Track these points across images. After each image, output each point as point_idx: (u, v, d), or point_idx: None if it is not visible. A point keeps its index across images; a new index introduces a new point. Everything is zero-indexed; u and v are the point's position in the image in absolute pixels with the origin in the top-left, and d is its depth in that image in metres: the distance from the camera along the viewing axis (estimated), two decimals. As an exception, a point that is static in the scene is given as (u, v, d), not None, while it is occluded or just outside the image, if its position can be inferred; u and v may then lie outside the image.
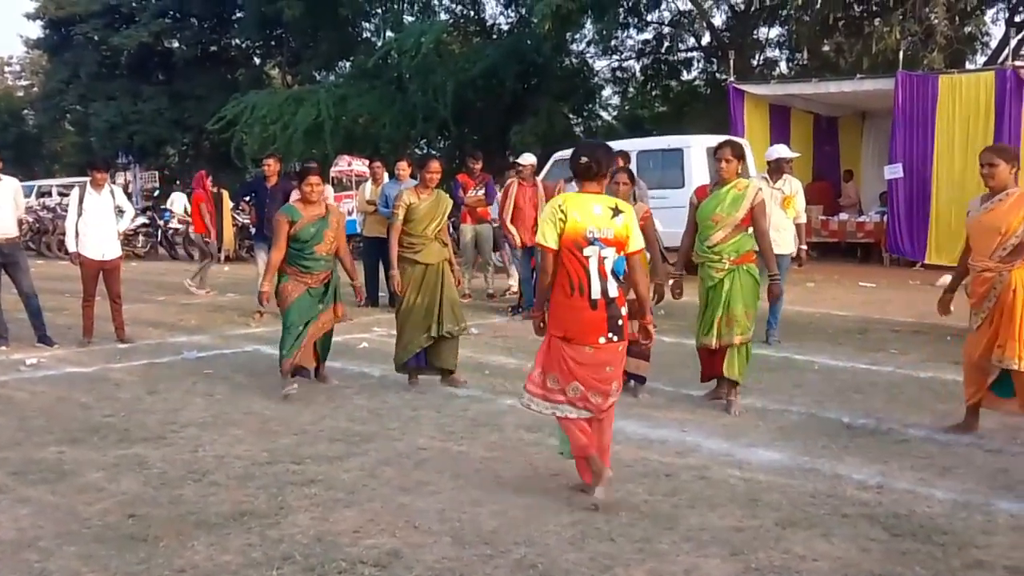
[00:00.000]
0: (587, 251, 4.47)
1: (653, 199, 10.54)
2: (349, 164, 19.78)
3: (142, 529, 4.33)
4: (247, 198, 13.10)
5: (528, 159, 10.99)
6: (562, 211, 4.47)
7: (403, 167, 11.56)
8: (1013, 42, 16.68)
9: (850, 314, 10.86)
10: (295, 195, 10.74)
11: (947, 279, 11.24)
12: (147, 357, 8.60)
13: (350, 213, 14.10)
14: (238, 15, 32.61)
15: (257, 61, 35.97)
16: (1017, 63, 15.45)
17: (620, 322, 4.55)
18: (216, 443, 5.75)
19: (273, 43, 33.23)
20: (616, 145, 12.89)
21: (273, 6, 26.12)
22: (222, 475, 5.13)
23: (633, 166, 10.36)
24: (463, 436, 5.90)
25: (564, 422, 4.63)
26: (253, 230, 12.96)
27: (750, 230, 6.35)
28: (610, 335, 4.51)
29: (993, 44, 21.97)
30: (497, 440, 5.81)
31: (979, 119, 14.58)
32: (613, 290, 4.52)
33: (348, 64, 30.26)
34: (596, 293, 4.47)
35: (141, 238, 20.11)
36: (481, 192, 12.17)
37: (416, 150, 27.87)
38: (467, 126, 26.85)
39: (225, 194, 18.73)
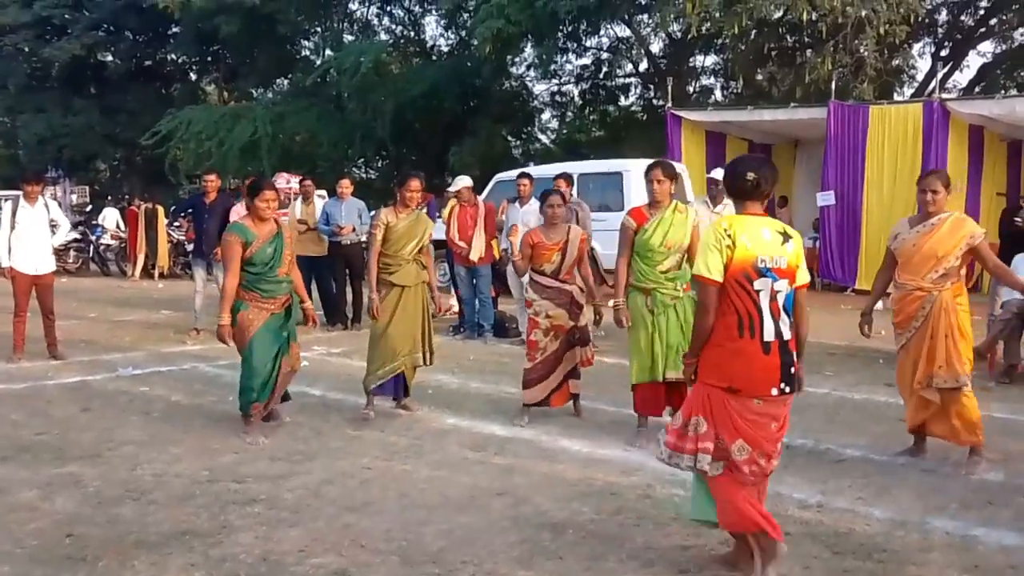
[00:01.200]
0: (758, 284, 3.79)
1: (593, 221, 10.63)
2: (288, 182, 19.58)
3: (79, 549, 4.23)
4: (184, 214, 12.92)
5: (463, 182, 10.99)
6: (729, 236, 3.78)
7: (345, 185, 11.53)
8: (939, 75, 17.23)
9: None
10: (236, 212, 10.68)
11: (879, 304, 11.47)
12: (81, 374, 8.41)
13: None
14: (174, 30, 32.16)
15: (193, 76, 35.47)
16: (944, 96, 15.98)
17: (793, 370, 3.86)
18: (155, 461, 5.64)
19: (209, 59, 32.82)
20: (558, 167, 13.08)
21: (210, 22, 25.84)
22: (161, 494, 5.03)
23: (574, 189, 10.48)
24: (407, 455, 5.87)
25: (723, 486, 3.88)
26: (190, 247, 12.76)
27: None
28: (783, 386, 3.81)
29: (920, 77, 22.69)
30: (441, 459, 5.78)
31: (907, 149, 15.01)
32: (787, 331, 3.85)
33: (286, 82, 30.11)
34: (769, 335, 3.79)
35: (72, 253, 19.66)
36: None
37: (354, 169, 27.79)
38: (406, 146, 26.86)
39: (160, 210, 18.44)
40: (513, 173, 11.81)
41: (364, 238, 11.63)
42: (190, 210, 11.88)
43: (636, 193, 13.68)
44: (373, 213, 11.26)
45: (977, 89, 22.61)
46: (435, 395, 7.61)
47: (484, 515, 4.73)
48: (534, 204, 10.10)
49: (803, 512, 4.80)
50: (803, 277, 3.97)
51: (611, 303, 6.34)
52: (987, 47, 23.88)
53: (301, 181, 12.42)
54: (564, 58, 26.27)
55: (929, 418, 5.66)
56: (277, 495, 5.03)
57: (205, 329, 10.93)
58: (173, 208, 18.60)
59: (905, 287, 5.63)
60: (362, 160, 29.15)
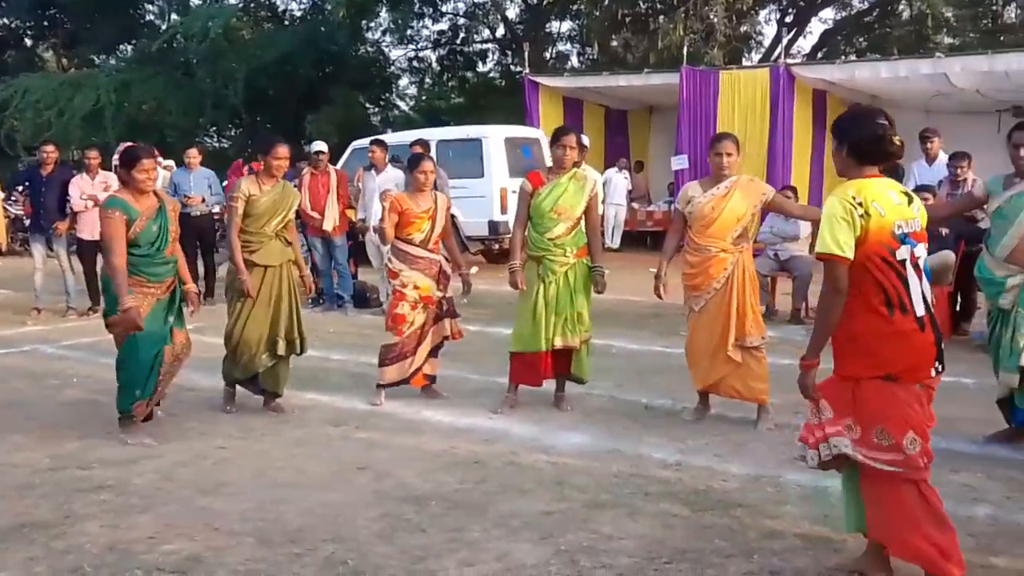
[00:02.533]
0: (900, 253, 3.37)
1: (453, 188, 10.55)
2: (133, 153, 18.79)
3: (-95, 550, 3.93)
4: (20, 188, 12.19)
5: (318, 146, 10.70)
6: (861, 205, 3.32)
7: (193, 155, 11.12)
8: (784, 41, 17.75)
9: (643, 299, 11.21)
10: (75, 184, 10.14)
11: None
12: (-93, 361, 7.86)
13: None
14: (6, -7, 30.29)
15: (28, 43, 33.48)
16: (789, 61, 16.48)
17: (944, 345, 3.50)
18: (-10, 452, 5.30)
19: (46, 24, 31.00)
20: (415, 134, 12.91)
21: (45, -17, 24.46)
22: (-2, 486, 4.73)
23: (433, 156, 10.35)
24: (264, 433, 5.70)
25: (905, 494, 3.40)
26: (28, 222, 12.07)
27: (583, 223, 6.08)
28: (937, 365, 3.43)
29: (767, 43, 23.38)
30: (300, 436, 5.64)
31: (756, 113, 15.42)
32: (932, 300, 3.47)
33: (130, 48, 28.68)
34: (920, 308, 3.39)
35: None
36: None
37: (206, 138, 26.85)
38: (259, 114, 26.07)
39: (-5, 184, 17.35)
40: (367, 141, 11.58)
41: (216, 209, 11.24)
42: (26, 183, 11.22)
43: (496, 160, 13.68)
44: (229, 183, 10.89)
45: (820, 55, 23.45)
46: (294, 371, 7.39)
47: (345, 491, 4.63)
48: (391, 171, 9.94)
49: (663, 471, 4.88)
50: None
51: (508, 266, 6.13)
52: (828, 14, 24.77)
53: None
54: (420, 23, 25.97)
55: (724, 377, 5.74)
56: (126, 480, 4.80)
57: (46, 308, 10.41)
58: (8, 181, 17.59)
59: (708, 250, 5.64)
60: (214, 129, 28.14)
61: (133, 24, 28.03)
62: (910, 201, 3.47)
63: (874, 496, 3.46)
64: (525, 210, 6.05)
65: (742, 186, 5.68)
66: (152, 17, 29.12)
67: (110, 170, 14.82)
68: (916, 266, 3.39)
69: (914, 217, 3.44)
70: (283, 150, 6.17)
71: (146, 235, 5.48)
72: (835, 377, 3.51)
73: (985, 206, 5.32)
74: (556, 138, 6.08)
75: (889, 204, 3.37)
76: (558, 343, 5.99)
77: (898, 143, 3.42)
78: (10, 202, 17.42)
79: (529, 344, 6.00)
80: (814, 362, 3.45)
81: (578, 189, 6.00)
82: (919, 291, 3.39)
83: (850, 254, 3.31)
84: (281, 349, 6.15)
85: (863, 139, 3.44)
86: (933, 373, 3.42)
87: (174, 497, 4.56)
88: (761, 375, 5.72)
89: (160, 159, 11.45)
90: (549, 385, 6.27)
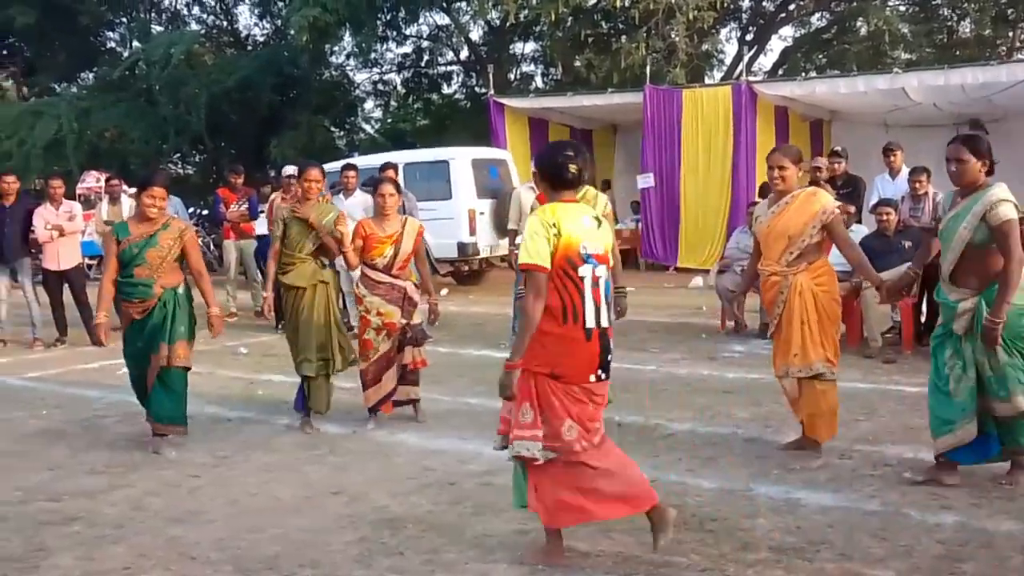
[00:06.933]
0: (582, 270, 3.82)
1: (421, 211, 10.57)
2: (98, 180, 18.61)
3: None
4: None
5: (290, 169, 10.71)
6: (554, 224, 3.77)
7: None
8: (746, 59, 18.01)
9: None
10: (39, 215, 10.06)
11: (699, 280, 11.84)
12: None
13: (88, 234, 13.21)
14: (-38, 21, 30.03)
15: (-13, 71, 33.21)
16: (750, 78, 16.72)
17: (610, 357, 3.95)
18: (-42, 486, 5.24)
19: (5, 52, 30.74)
20: (382, 157, 12.93)
21: (3, 12, 24.20)
22: (-33, 521, 4.68)
23: (400, 178, 10.39)
24: (236, 460, 5.68)
25: (561, 474, 3.89)
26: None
27: None
28: (600, 372, 3.89)
29: (728, 60, 23.68)
30: (273, 461, 5.62)
31: (719, 130, 15.63)
32: (605, 319, 3.91)
33: (91, 75, 28.51)
34: (591, 321, 3.83)
35: None
36: (244, 207, 11.80)
37: (170, 164, 26.70)
38: (223, 139, 26.01)
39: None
40: (337, 164, 11.59)
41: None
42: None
43: (463, 181, 13.73)
44: (263, 207, 10.87)
45: (780, 72, 23.78)
46: (265, 396, 7.39)
47: (320, 516, 4.62)
48: (359, 196, 9.94)
49: (636, 488, 4.90)
50: (613, 260, 4.10)
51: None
52: (788, 31, 25.17)
53: (108, 180, 11.81)
54: (384, 47, 26.00)
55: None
56: (97, 511, 4.77)
57: (12, 340, 10.30)
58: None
59: (763, 272, 5.38)
60: (178, 156, 28.00)
61: (94, 51, 27.87)
62: (599, 225, 3.93)
63: (535, 478, 3.94)
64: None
65: (800, 202, 5.23)
66: (113, 44, 28.98)
67: (74, 199, 14.79)
68: (596, 284, 3.84)
69: (600, 241, 3.89)
70: (315, 172, 6.44)
71: (125, 255, 5.76)
72: (523, 370, 3.86)
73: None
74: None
75: (579, 227, 3.83)
76: None
77: (574, 170, 3.90)
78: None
79: None
80: (516, 364, 3.82)
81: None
82: (593, 306, 3.83)
83: (548, 265, 3.75)
84: (308, 371, 6.31)
85: (546, 167, 3.98)
86: (593, 379, 3.86)
87: (147, 527, 4.53)
88: (817, 409, 5.28)
89: (124, 187, 11.46)
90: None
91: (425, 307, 6.55)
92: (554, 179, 3.96)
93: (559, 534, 3.98)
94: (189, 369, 5.94)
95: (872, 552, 3.98)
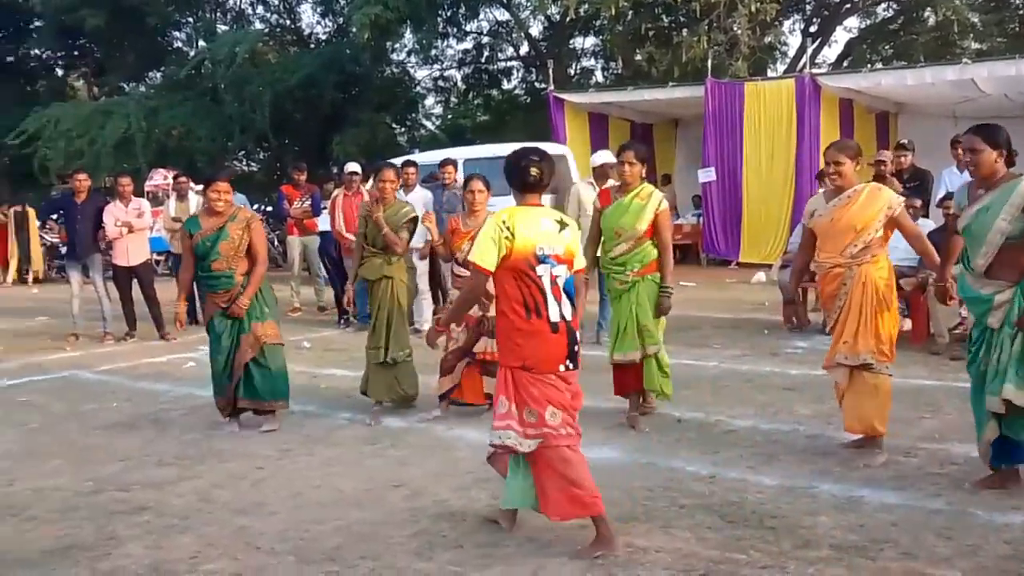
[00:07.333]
0: (539, 270, 4.04)
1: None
2: (165, 178, 19.01)
3: (-46, 574, 4.02)
4: (54, 216, 12.40)
5: (352, 167, 10.83)
6: (508, 228, 4.00)
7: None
8: (809, 51, 17.75)
9: (674, 312, 11.19)
10: (109, 212, 10.30)
11: (761, 276, 11.64)
12: (-51, 388, 8.01)
13: (156, 230, 13.49)
14: (36, 24, 30.78)
15: (59, 72, 34.04)
16: (814, 71, 16.47)
17: (577, 348, 4.13)
18: (33, 475, 5.40)
19: (76, 53, 31.49)
20: (442, 154, 13.00)
21: (74, 15, 24.81)
22: (41, 509, 4.82)
23: (459, 175, 10.43)
24: (299, 453, 5.76)
25: (553, 461, 4.08)
26: (63, 249, 12.26)
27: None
28: (568, 363, 4.08)
29: (791, 53, 23.37)
30: (335, 455, 5.70)
31: (782, 123, 15.44)
32: (569, 312, 4.11)
33: (159, 75, 29.12)
34: (555, 315, 4.05)
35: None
36: (307, 203, 11.94)
37: (235, 162, 27.15)
38: (286, 137, 26.39)
39: (31, 212, 17.68)
40: (397, 161, 11.68)
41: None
42: (60, 212, 11.42)
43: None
44: (325, 204, 11.06)
45: (845, 64, 23.39)
46: (328, 390, 7.49)
47: (381, 509, 4.68)
48: (419, 192, 10.02)
49: (696, 484, 4.88)
50: (580, 262, 4.24)
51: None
52: (853, 22, 24.73)
53: (175, 177, 12.05)
54: (445, 43, 26.20)
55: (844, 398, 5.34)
56: (166, 501, 4.88)
57: (84, 334, 10.57)
58: (42, 209, 17.88)
59: (824, 265, 5.35)
60: (243, 153, 28.49)
61: (161, 51, 28.45)
62: (561, 228, 4.14)
63: (537, 472, 4.11)
64: (595, 229, 6.29)
65: (867, 196, 5.22)
66: (180, 44, 29.56)
67: (143, 196, 15.12)
68: (555, 283, 4.06)
69: (560, 243, 4.10)
70: (389, 173, 6.89)
71: (200, 249, 6.17)
72: (500, 367, 4.17)
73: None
74: (616, 155, 6.26)
75: (536, 230, 4.05)
76: (617, 357, 6.09)
77: (535, 174, 4.12)
78: (45, 230, 17.74)
79: (612, 355, 6.20)
80: (442, 330, 4.72)
81: (640, 208, 5.98)
82: (555, 302, 4.05)
83: (491, 267, 4.00)
84: (376, 357, 6.64)
85: (509, 172, 4.19)
86: (562, 368, 4.06)
87: (213, 517, 4.63)
88: (871, 402, 5.21)
89: (191, 184, 11.68)
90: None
91: None
92: (517, 182, 4.18)
93: (606, 523, 4.04)
94: (283, 346, 6.41)
95: (937, 551, 3.91)
